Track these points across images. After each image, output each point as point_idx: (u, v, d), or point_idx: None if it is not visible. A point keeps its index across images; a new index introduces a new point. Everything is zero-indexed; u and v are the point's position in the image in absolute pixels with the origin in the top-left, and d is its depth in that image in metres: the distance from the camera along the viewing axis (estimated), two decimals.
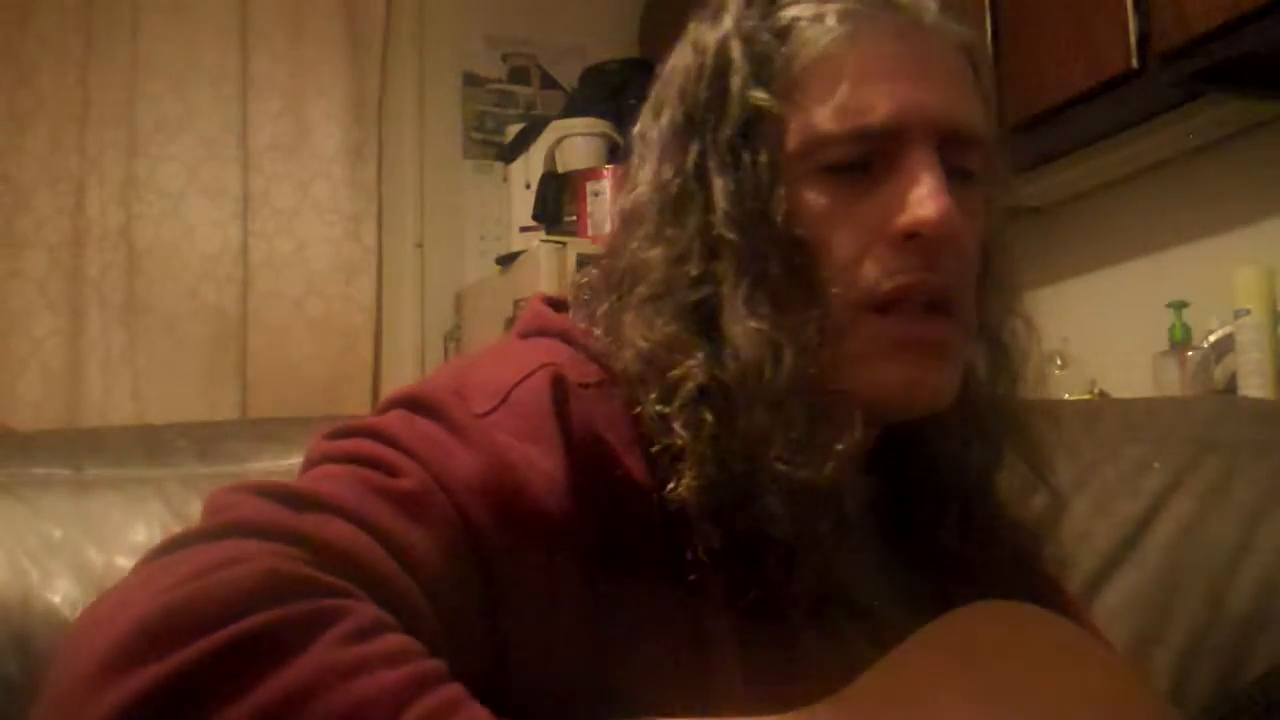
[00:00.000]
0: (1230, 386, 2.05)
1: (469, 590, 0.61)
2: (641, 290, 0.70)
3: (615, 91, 3.17)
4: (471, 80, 3.53)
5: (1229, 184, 2.23)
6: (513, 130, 3.35)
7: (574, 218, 3.02)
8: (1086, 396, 2.25)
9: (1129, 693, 0.71)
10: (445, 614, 0.58)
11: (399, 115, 3.43)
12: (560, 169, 3.11)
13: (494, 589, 0.61)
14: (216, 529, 0.54)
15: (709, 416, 0.66)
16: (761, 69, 0.70)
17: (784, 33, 0.71)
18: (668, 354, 0.68)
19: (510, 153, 3.31)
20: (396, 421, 0.65)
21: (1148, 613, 1.12)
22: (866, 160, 0.69)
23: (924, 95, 0.70)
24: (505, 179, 3.37)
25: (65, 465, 0.97)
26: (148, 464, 0.99)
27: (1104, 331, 2.38)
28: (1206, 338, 2.15)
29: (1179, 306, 2.23)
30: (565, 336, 0.73)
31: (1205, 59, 1.86)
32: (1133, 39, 1.92)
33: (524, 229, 3.14)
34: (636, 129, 0.77)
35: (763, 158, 0.69)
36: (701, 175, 0.71)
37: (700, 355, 0.67)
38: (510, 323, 2.85)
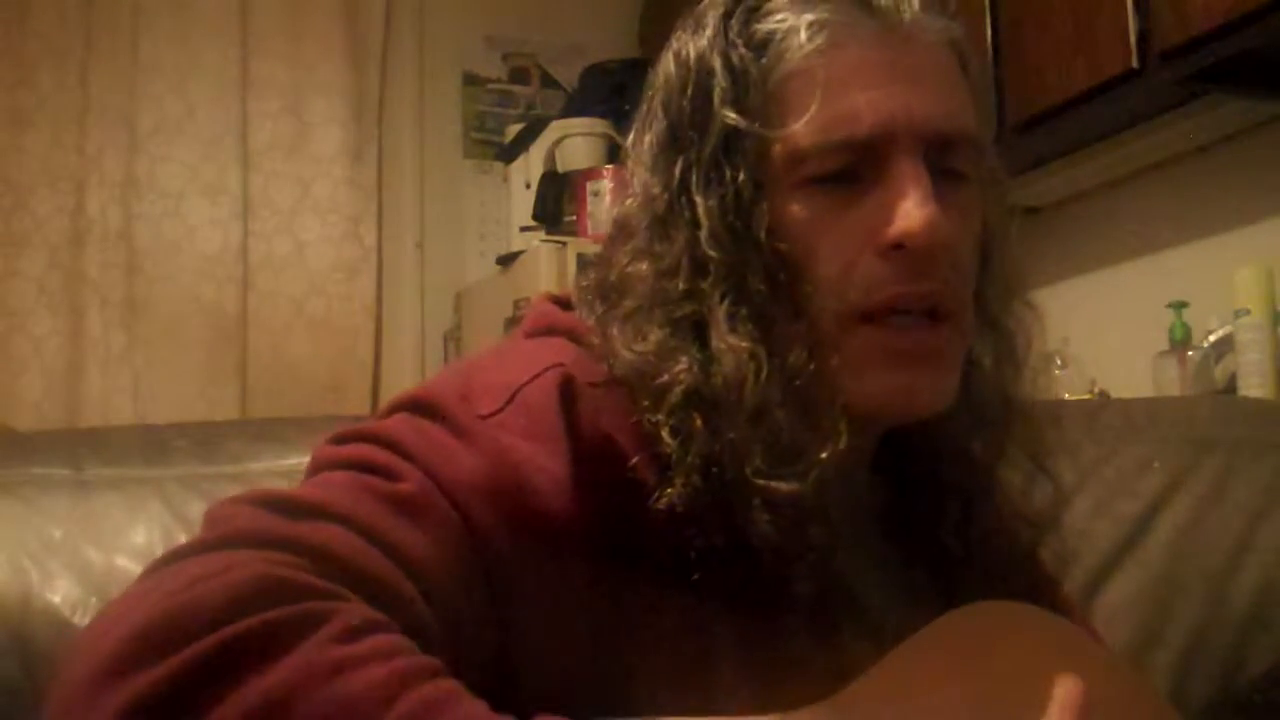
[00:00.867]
0: (1230, 386, 2.05)
1: (471, 591, 0.61)
2: (628, 304, 0.70)
3: (615, 91, 3.17)
4: (471, 80, 3.53)
5: (1229, 184, 2.23)
6: (513, 130, 3.35)
7: (574, 217, 3.03)
8: (1086, 396, 2.25)
9: (1129, 694, 0.71)
10: (446, 615, 0.58)
11: (399, 115, 3.43)
12: (560, 169, 3.11)
13: (497, 590, 0.62)
14: (213, 540, 0.55)
15: (698, 423, 0.66)
16: (741, 85, 0.69)
17: (762, 46, 0.70)
18: (655, 363, 0.68)
19: (510, 153, 3.31)
20: (399, 425, 0.65)
21: (1148, 613, 1.12)
22: (851, 170, 0.69)
23: (907, 102, 0.69)
24: (505, 179, 3.37)
25: (65, 465, 0.97)
26: (148, 464, 0.99)
27: (1104, 331, 2.39)
28: (1206, 338, 2.15)
29: (1179, 306, 2.23)
30: (572, 335, 0.73)
31: (1206, 59, 1.86)
32: (1133, 39, 1.92)
33: (524, 229, 3.14)
34: (630, 138, 0.77)
35: (744, 175, 0.69)
36: (686, 192, 0.71)
37: (686, 362, 0.67)
38: (510, 323, 2.87)
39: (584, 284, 0.76)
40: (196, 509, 0.89)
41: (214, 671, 0.47)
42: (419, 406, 0.66)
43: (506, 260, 3.10)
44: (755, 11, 0.71)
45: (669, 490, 0.65)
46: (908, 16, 0.70)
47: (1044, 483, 0.80)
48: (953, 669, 0.65)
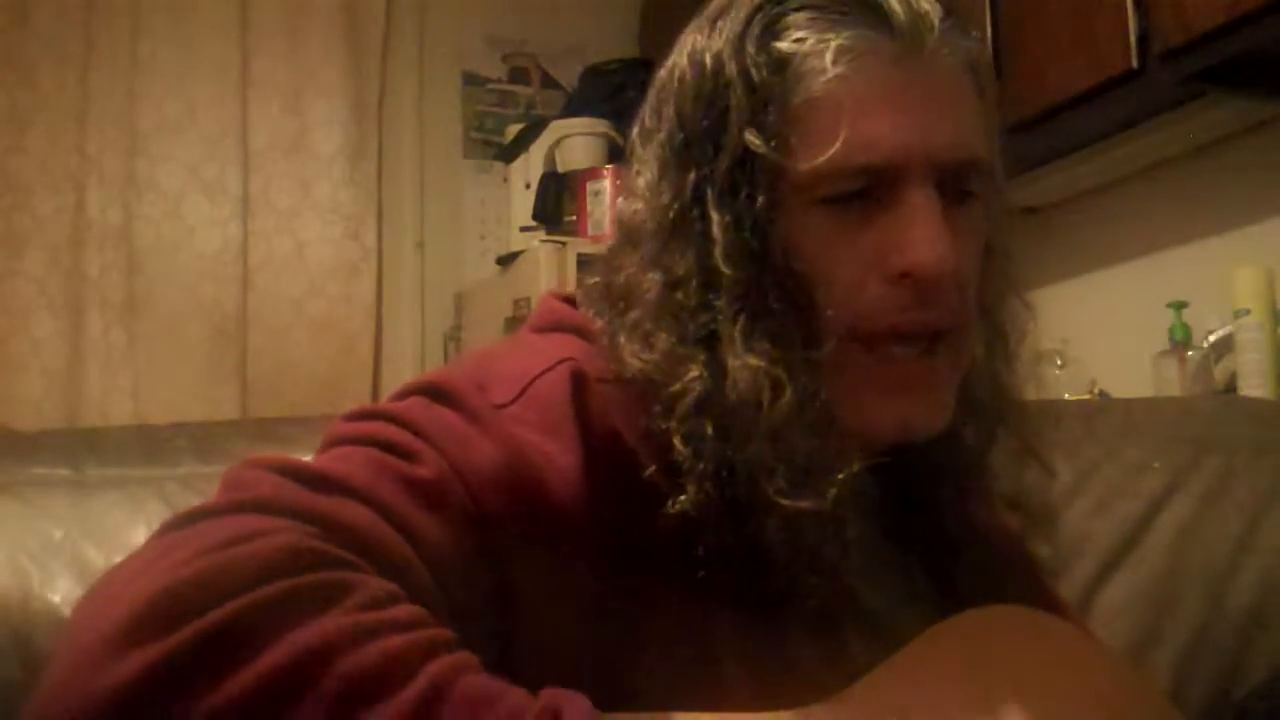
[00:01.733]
0: (1230, 386, 2.05)
1: (479, 581, 0.61)
2: (636, 313, 0.70)
3: (615, 91, 3.16)
4: (471, 80, 3.53)
5: (1229, 184, 2.23)
6: (513, 130, 3.35)
7: (574, 217, 3.02)
8: (1086, 396, 2.25)
9: (1132, 697, 0.71)
10: (454, 604, 0.58)
11: (399, 115, 3.43)
12: (560, 169, 3.11)
13: (504, 581, 0.62)
14: (234, 504, 0.55)
15: (709, 431, 0.66)
16: (759, 104, 0.68)
17: (782, 64, 0.69)
18: (665, 371, 0.68)
19: (510, 153, 3.31)
20: (417, 408, 0.65)
21: (1148, 613, 1.12)
22: (865, 190, 0.69)
23: (923, 131, 0.68)
24: (505, 179, 3.37)
25: (65, 465, 0.97)
26: (148, 464, 0.99)
27: (1104, 331, 2.38)
28: (1206, 338, 2.15)
29: (1179, 306, 2.22)
30: (580, 332, 0.73)
31: (1205, 59, 1.86)
32: (1133, 39, 1.92)
33: (524, 229, 3.14)
34: (635, 130, 0.76)
35: (760, 194, 0.68)
36: (699, 205, 0.70)
37: (696, 370, 0.67)
38: (510, 323, 2.87)
39: (589, 284, 0.76)
40: None
41: (248, 633, 0.47)
42: (435, 392, 0.66)
43: (506, 260, 3.10)
44: (774, 25, 0.70)
45: (682, 498, 0.65)
46: (929, 40, 0.69)
47: (1038, 472, 0.80)
48: (955, 675, 0.65)
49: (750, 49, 0.69)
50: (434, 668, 0.49)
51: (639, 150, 0.75)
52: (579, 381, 0.67)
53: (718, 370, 0.67)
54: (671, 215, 0.71)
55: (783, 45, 0.69)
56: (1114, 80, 1.98)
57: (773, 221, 0.68)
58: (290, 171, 3.27)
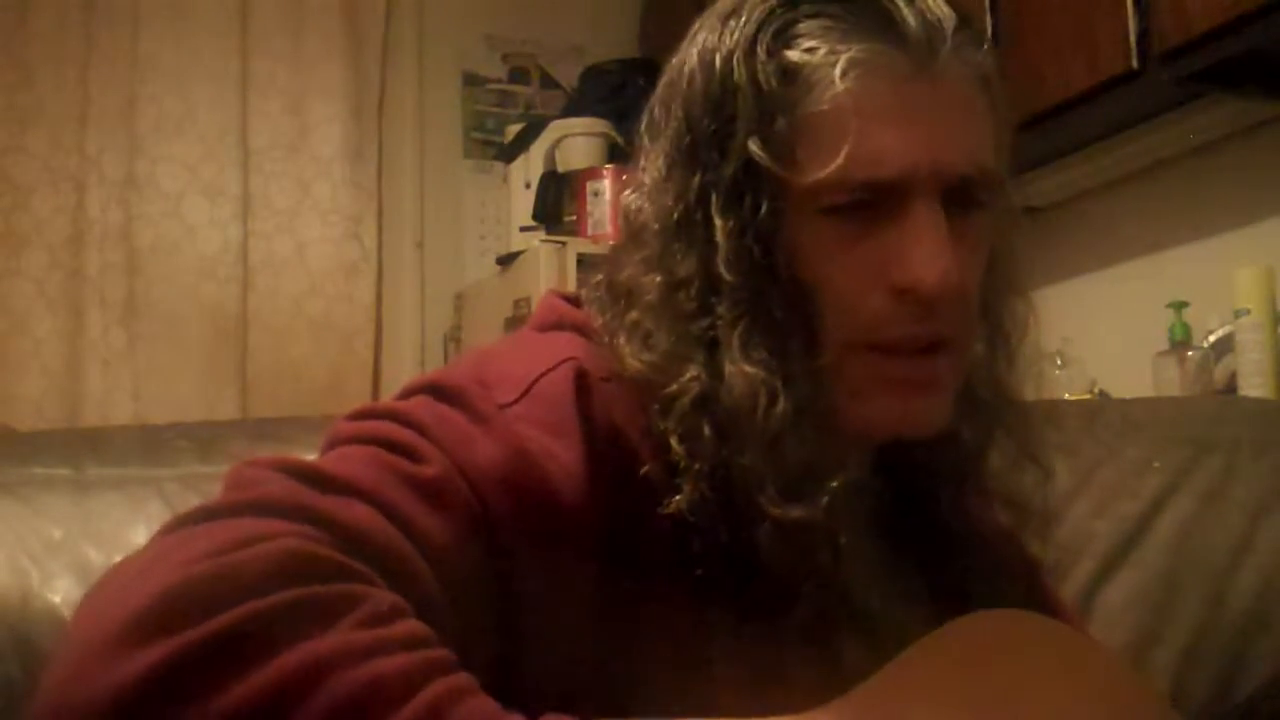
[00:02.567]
0: (1230, 386, 2.05)
1: (482, 581, 0.61)
2: (636, 313, 0.70)
3: (615, 91, 3.17)
4: (471, 80, 3.53)
5: (1229, 184, 2.23)
6: (513, 130, 3.35)
7: (574, 217, 3.02)
8: (1086, 396, 2.25)
9: (1134, 704, 0.71)
10: (458, 603, 0.58)
11: (399, 115, 3.43)
12: (560, 169, 3.11)
13: (507, 580, 0.62)
14: (239, 505, 0.55)
15: (706, 432, 0.67)
16: (767, 114, 0.68)
17: (792, 74, 0.68)
18: (663, 371, 0.68)
19: (510, 153, 3.31)
20: (420, 407, 0.65)
21: (1148, 613, 1.12)
22: (870, 200, 0.68)
23: (931, 147, 0.68)
24: (505, 179, 3.37)
25: (65, 465, 0.97)
26: (148, 464, 0.99)
27: (1104, 331, 2.38)
28: (1206, 338, 2.15)
29: (1179, 306, 2.22)
30: (582, 330, 0.74)
31: (1205, 59, 1.86)
32: (1133, 39, 1.92)
33: (524, 229, 3.13)
34: (644, 122, 0.76)
35: (764, 201, 0.68)
36: (703, 209, 0.70)
37: (694, 371, 0.67)
38: (510, 323, 2.87)
39: (592, 282, 0.76)
40: None
41: (248, 642, 0.47)
42: (439, 391, 0.66)
43: (506, 260, 3.10)
44: (786, 31, 0.69)
45: (677, 497, 0.66)
46: (941, 52, 0.69)
47: (1036, 472, 0.80)
48: (953, 678, 0.65)
49: (761, 55, 0.69)
50: (431, 691, 0.48)
51: (646, 143, 0.75)
52: (582, 380, 0.67)
53: (715, 374, 0.67)
54: (675, 217, 0.71)
55: (793, 55, 0.68)
56: (1114, 80, 1.98)
57: (776, 229, 0.68)
58: (290, 172, 3.27)
